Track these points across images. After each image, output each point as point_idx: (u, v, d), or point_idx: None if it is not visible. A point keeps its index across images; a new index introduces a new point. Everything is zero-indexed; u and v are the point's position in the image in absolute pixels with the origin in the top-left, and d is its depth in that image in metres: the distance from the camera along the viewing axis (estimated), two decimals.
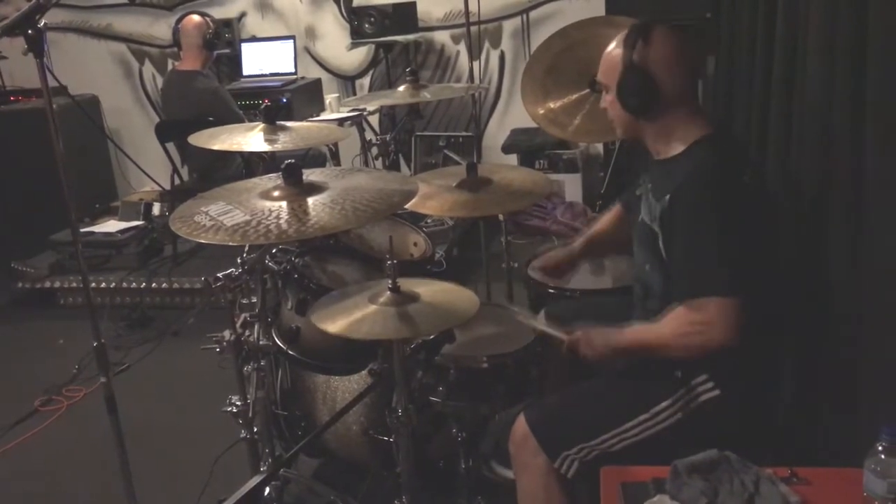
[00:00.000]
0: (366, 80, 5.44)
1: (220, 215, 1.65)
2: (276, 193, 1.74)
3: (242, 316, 2.18)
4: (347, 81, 5.45)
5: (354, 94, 5.37)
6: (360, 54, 5.38)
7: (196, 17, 4.48)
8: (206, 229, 1.61)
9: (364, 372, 2.26)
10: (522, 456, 1.91)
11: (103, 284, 4.27)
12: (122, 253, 4.46)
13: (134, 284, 4.28)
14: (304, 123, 2.57)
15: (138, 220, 4.62)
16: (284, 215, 1.64)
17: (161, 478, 2.72)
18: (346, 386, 2.42)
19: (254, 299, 2.21)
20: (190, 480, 2.63)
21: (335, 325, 1.79)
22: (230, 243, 1.57)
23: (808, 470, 1.56)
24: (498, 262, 2.99)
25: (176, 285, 4.23)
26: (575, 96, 2.84)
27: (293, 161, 1.70)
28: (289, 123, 2.30)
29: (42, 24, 1.78)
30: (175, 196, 4.39)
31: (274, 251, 2.37)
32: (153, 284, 4.26)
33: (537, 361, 2.26)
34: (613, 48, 1.89)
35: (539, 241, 4.22)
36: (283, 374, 2.54)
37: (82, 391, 3.47)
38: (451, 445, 2.29)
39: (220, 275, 2.02)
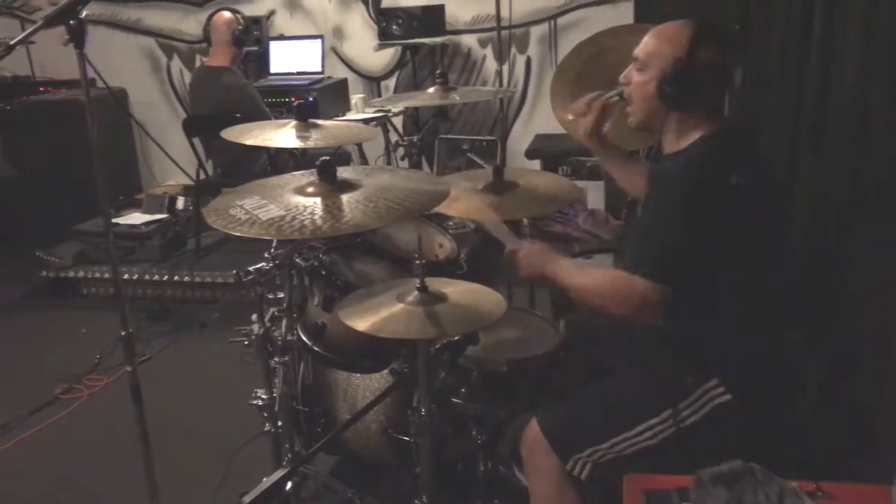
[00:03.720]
0: (392, 82, 5.45)
1: (255, 209, 1.67)
2: (310, 189, 1.75)
3: (270, 310, 2.20)
4: (373, 82, 5.47)
5: (380, 95, 5.39)
6: (387, 55, 5.40)
7: (227, 14, 4.52)
8: (242, 222, 1.63)
9: (385, 371, 2.27)
10: (535, 459, 1.92)
11: (126, 276, 4.30)
12: (145, 245, 4.49)
13: (157, 277, 4.32)
14: (335, 122, 2.59)
15: (162, 213, 4.66)
16: (319, 211, 1.65)
17: (180, 469, 2.74)
18: (367, 384, 2.43)
19: (281, 294, 2.23)
20: (208, 473, 2.65)
21: (362, 322, 1.80)
22: (266, 237, 1.58)
23: (834, 485, 1.55)
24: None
25: (198, 279, 4.26)
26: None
27: (329, 158, 1.71)
28: (320, 121, 2.31)
29: (84, 14, 1.80)
30: (200, 190, 4.43)
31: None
32: (175, 277, 4.29)
33: (559, 366, 2.26)
34: (667, 35, 1.88)
35: (560, 247, 4.21)
36: (304, 369, 2.56)
37: (103, 380, 3.50)
38: (471, 447, 2.29)
39: (251, 268, 2.04)
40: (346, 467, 2.70)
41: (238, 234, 1.58)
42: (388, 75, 5.45)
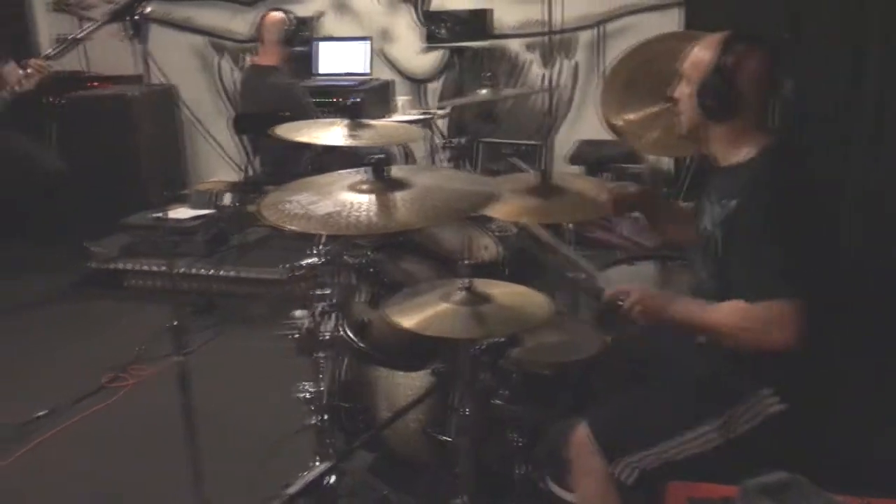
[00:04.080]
0: (437, 85, 5.47)
1: (309, 205, 1.69)
2: (363, 187, 1.77)
3: (318, 306, 2.23)
4: (419, 85, 5.50)
5: (425, 97, 5.41)
6: (433, 58, 5.43)
7: (277, 14, 4.59)
8: (298, 217, 1.65)
9: (427, 370, 2.29)
10: (582, 461, 1.91)
11: (172, 268, 4.37)
12: (190, 240, 4.56)
13: (202, 271, 4.38)
14: (385, 122, 2.62)
15: (208, 208, 4.73)
16: (371, 208, 1.67)
17: (222, 459, 2.77)
18: (408, 382, 2.44)
19: (327, 291, 2.26)
20: (249, 465, 2.68)
21: (408, 320, 1.82)
22: (322, 232, 1.61)
23: (882, 501, 1.53)
24: (560, 272, 2.98)
25: (242, 274, 4.31)
26: (654, 109, 2.83)
27: (383, 155, 1.73)
28: (369, 121, 2.34)
29: (146, 10, 1.84)
30: (247, 187, 4.50)
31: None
32: (220, 272, 4.35)
33: (601, 372, 2.25)
34: (706, 46, 1.91)
35: (602, 253, 4.19)
36: (346, 365, 2.58)
37: (148, 370, 3.56)
38: (508, 450, 2.29)
39: (302, 263, 2.07)
40: (383, 464, 2.71)
41: (294, 228, 1.61)
42: (433, 78, 5.47)
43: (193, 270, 4.39)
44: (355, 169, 1.88)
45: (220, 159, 5.58)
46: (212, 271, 4.36)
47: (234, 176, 5.29)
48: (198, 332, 3.92)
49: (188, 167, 5.83)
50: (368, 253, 2.31)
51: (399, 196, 1.73)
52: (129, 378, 3.52)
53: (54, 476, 2.91)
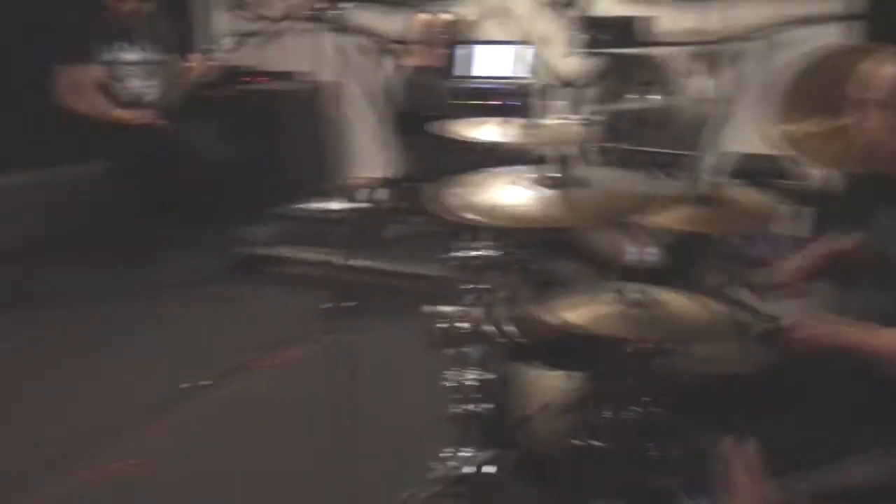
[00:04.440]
0: (589, 91, 5.39)
1: (475, 199, 1.71)
2: (534, 183, 1.77)
3: (469, 299, 2.25)
4: (573, 90, 5.43)
5: (580, 103, 5.35)
6: (587, 64, 5.36)
7: (435, 15, 4.66)
8: (468, 209, 1.67)
9: (578, 371, 2.25)
10: (743, 480, 1.83)
11: (320, 258, 4.51)
12: (339, 231, 4.68)
13: (350, 262, 4.48)
14: (550, 122, 2.62)
15: (359, 202, 4.85)
16: (542, 204, 1.67)
17: (367, 445, 2.82)
18: (557, 382, 2.41)
19: (480, 285, 2.27)
20: (393, 452, 2.71)
21: (573, 317, 1.80)
22: (499, 224, 1.62)
23: None
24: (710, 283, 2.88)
25: (391, 267, 4.40)
26: (830, 122, 2.70)
27: (566, 153, 1.74)
28: (543, 121, 2.36)
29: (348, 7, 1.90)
30: (399, 183, 4.59)
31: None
32: (368, 264, 4.45)
33: (764, 387, 2.15)
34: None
35: (757, 271, 4.02)
36: (495, 360, 2.57)
37: (291, 354, 3.67)
38: (651, 460, 2.22)
39: (459, 254, 2.09)
40: (520, 463, 2.69)
41: (472, 219, 1.62)
42: (588, 84, 5.39)
43: (342, 261, 4.49)
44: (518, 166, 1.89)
45: (368, 156, 5.71)
46: (360, 262, 4.45)
47: (381, 172, 5.40)
48: (342, 319, 4.02)
49: (338, 162, 6.00)
50: (527, 249, 2.30)
51: (574, 193, 1.72)
52: (271, 360, 3.64)
53: (196, 448, 3.04)
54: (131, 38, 4.96)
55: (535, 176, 1.80)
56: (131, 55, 4.98)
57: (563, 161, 1.78)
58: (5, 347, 3.94)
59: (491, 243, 2.16)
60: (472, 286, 2.26)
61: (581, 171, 1.98)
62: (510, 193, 1.76)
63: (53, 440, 3.05)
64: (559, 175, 1.74)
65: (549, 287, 2.04)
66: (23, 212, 5.09)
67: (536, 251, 2.33)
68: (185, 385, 3.36)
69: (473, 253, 2.12)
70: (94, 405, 3.32)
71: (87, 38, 4.88)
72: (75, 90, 4.80)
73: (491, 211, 1.65)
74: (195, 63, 4.97)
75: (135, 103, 4.95)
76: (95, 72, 4.87)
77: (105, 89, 4.88)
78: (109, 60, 4.92)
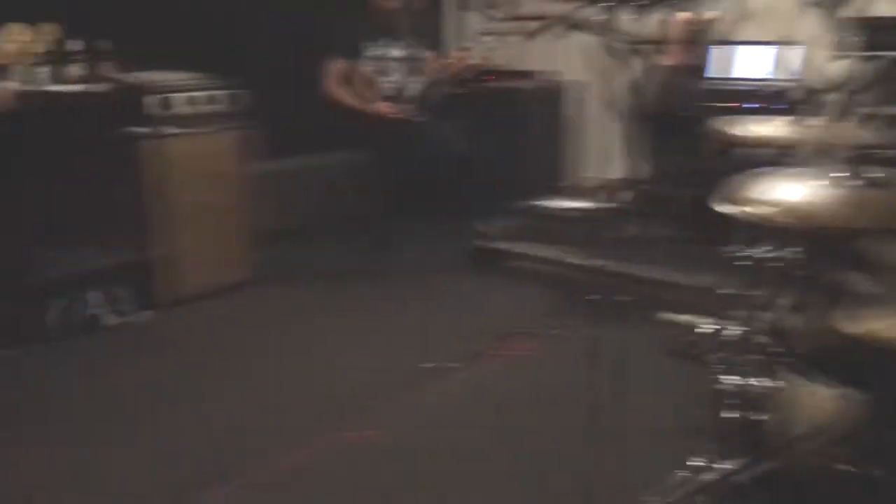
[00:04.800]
0: (863, 95, 5.02)
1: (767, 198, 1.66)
2: (831, 182, 1.69)
3: (730, 305, 2.18)
4: (843, 93, 5.09)
5: (850, 107, 5.01)
6: (863, 67, 5.00)
7: (686, 14, 4.55)
8: (762, 205, 1.63)
9: (870, 390, 2.11)
10: None
11: (554, 256, 4.57)
12: (579, 230, 4.71)
13: (590, 262, 4.49)
14: (835, 122, 2.49)
15: (598, 202, 4.85)
16: (839, 204, 1.60)
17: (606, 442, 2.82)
18: (836, 401, 2.27)
19: (760, 291, 2.20)
20: (629, 452, 2.68)
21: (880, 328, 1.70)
22: (793, 224, 1.56)
23: None
24: None
25: (629, 270, 4.33)
26: None
27: (872, 151, 1.65)
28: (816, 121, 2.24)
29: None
30: (646, 186, 4.52)
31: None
32: (604, 264, 4.42)
33: None
34: None
35: None
36: (747, 371, 2.47)
37: (530, 346, 3.74)
38: None
39: (739, 257, 2.03)
40: (778, 481, 2.56)
41: (762, 220, 1.58)
42: (865, 87, 5.03)
43: (580, 260, 4.51)
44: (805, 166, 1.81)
45: (609, 158, 5.69)
46: (598, 263, 4.44)
47: (621, 174, 5.36)
48: (569, 318, 4.03)
49: (575, 161, 6.03)
50: (802, 255, 2.19)
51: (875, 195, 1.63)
52: (506, 350, 3.72)
53: (436, 422, 3.15)
54: (396, 35, 5.27)
55: (830, 175, 1.72)
56: (395, 51, 5.30)
57: (857, 161, 1.68)
58: (276, 315, 4.36)
59: (771, 248, 2.07)
60: (745, 292, 2.18)
61: (877, 172, 1.88)
62: (801, 193, 1.70)
63: (308, 402, 3.32)
64: (864, 175, 1.65)
65: (839, 297, 1.92)
66: (300, 194, 5.52)
67: (825, 258, 2.20)
68: (428, 365, 3.52)
69: (755, 256, 2.05)
70: (344, 374, 3.58)
71: (355, 34, 5.24)
72: (342, 83, 5.16)
73: (786, 211, 1.59)
74: (454, 60, 5.20)
75: (396, 97, 5.27)
76: (362, 66, 5.21)
77: (370, 83, 5.22)
78: (375, 56, 5.25)
